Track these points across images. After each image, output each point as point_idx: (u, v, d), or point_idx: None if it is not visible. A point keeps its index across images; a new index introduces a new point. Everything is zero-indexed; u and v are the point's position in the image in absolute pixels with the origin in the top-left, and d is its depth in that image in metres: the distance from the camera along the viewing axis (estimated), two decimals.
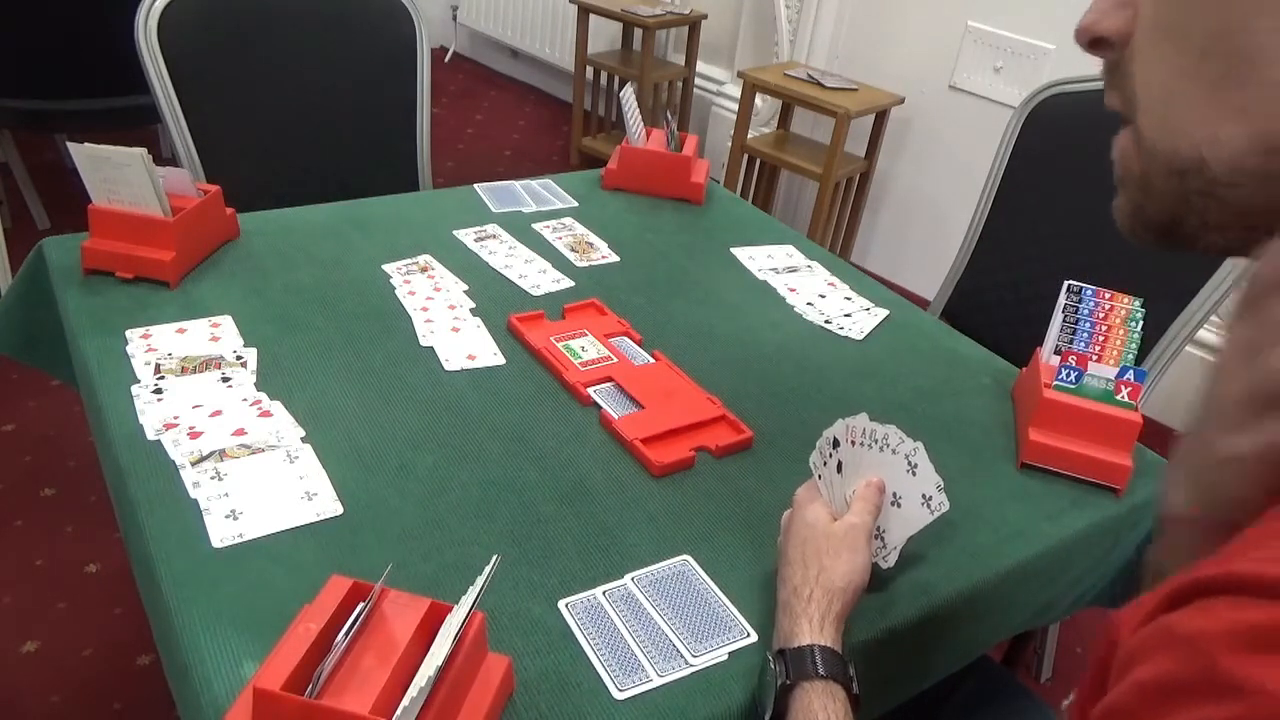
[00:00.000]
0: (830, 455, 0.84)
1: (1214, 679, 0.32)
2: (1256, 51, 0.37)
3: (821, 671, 0.68)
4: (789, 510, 0.83)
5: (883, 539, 0.83)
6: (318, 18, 1.65)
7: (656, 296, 1.27)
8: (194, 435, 0.91)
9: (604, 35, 3.53)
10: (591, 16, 3.30)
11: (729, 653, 0.76)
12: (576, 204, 1.51)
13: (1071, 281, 1.09)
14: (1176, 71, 0.40)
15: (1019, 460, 1.03)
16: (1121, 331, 1.04)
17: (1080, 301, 1.07)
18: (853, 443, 0.83)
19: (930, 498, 0.80)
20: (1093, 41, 0.44)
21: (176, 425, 0.92)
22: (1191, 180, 0.40)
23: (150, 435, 0.90)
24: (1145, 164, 0.42)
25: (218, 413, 0.94)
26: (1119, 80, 0.43)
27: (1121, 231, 0.46)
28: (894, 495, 0.82)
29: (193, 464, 0.87)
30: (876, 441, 0.82)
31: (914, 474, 0.81)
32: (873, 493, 0.81)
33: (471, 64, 4.51)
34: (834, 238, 2.91)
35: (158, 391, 0.96)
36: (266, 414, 0.95)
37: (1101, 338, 1.04)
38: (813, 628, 0.71)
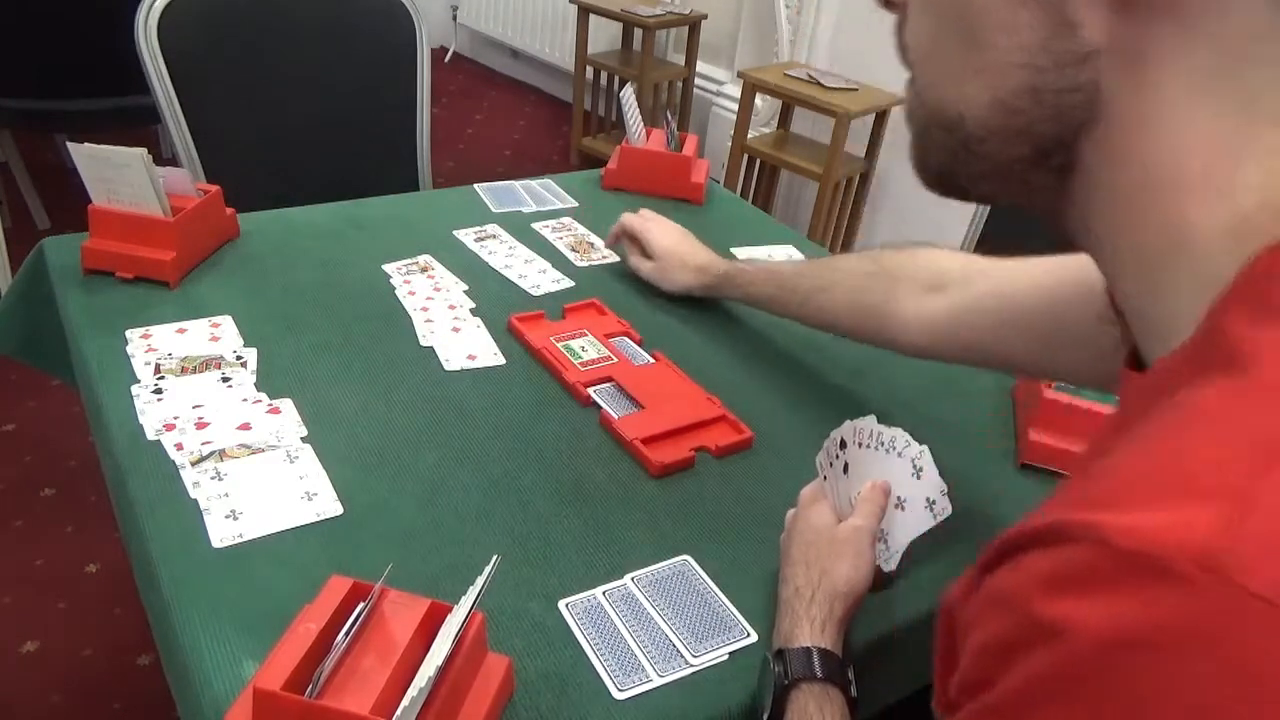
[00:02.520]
0: (837, 456, 0.84)
1: (1031, 626, 0.33)
2: (979, 22, 0.41)
3: (820, 674, 0.68)
4: (793, 509, 0.83)
5: (885, 542, 0.83)
6: (318, 18, 1.65)
7: (656, 296, 1.27)
8: (194, 435, 0.91)
9: (604, 35, 3.53)
10: (591, 16, 3.30)
11: (729, 653, 0.76)
12: (576, 204, 1.51)
13: None
14: (933, 35, 0.45)
15: (1019, 460, 1.03)
16: None
17: None
18: (859, 444, 0.83)
19: (934, 502, 0.80)
20: (884, 2, 0.48)
21: (176, 425, 0.92)
22: (955, 134, 0.44)
23: (150, 435, 0.90)
24: (922, 116, 0.47)
25: (218, 413, 0.94)
26: (899, 42, 0.47)
27: (917, 175, 0.50)
28: (898, 498, 0.82)
29: (193, 464, 0.87)
30: (883, 444, 0.82)
31: (919, 478, 0.81)
32: (877, 495, 0.81)
33: (471, 64, 4.51)
34: (834, 238, 2.91)
35: (158, 391, 0.96)
36: (267, 414, 0.95)
37: None
38: (813, 629, 0.71)
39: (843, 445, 0.84)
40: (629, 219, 1.28)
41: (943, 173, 0.47)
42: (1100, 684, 0.31)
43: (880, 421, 0.83)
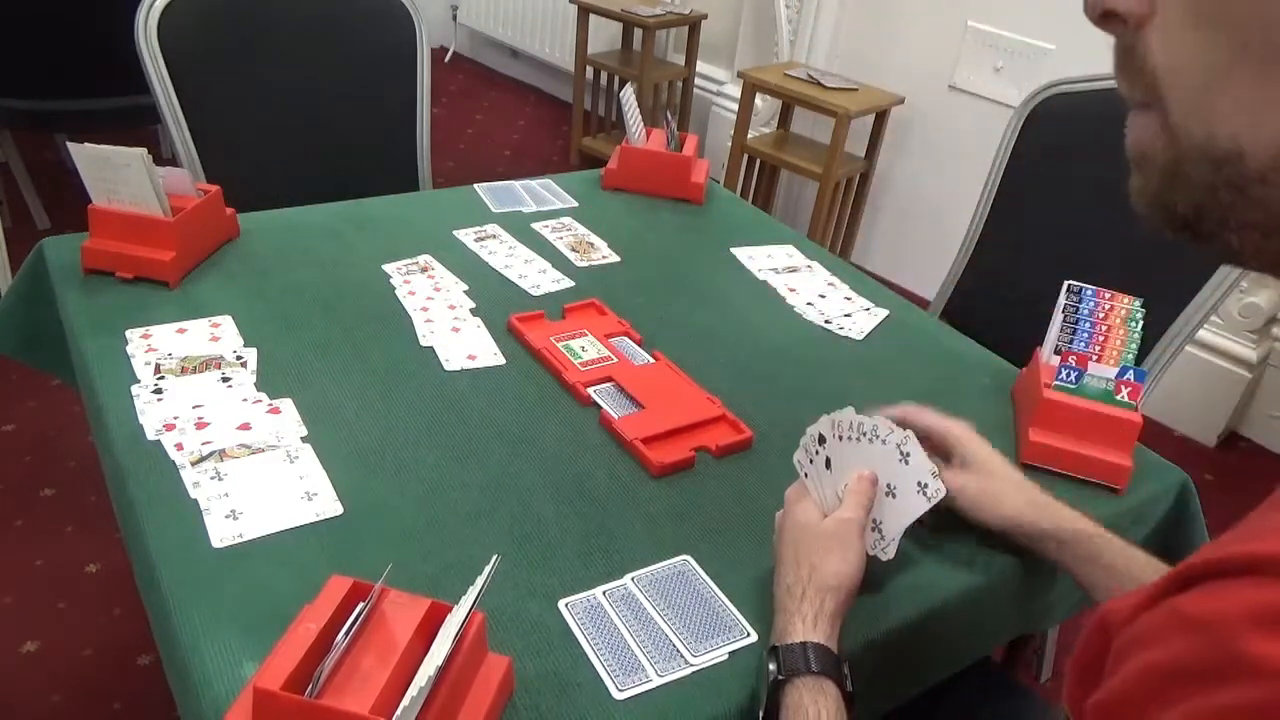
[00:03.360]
0: (817, 452, 0.83)
1: (1233, 661, 0.31)
2: None
3: (814, 668, 0.68)
4: (781, 510, 0.83)
5: (880, 531, 0.82)
6: (318, 18, 1.65)
7: (656, 296, 1.27)
8: (194, 435, 0.91)
9: (604, 35, 3.53)
10: (591, 16, 3.30)
11: (729, 653, 0.76)
12: (576, 204, 1.51)
13: (1071, 281, 1.09)
14: (1215, 58, 0.37)
15: (1019, 460, 1.03)
16: (1121, 331, 1.04)
17: (1080, 301, 1.07)
18: (840, 437, 0.83)
19: (925, 485, 0.80)
20: (1104, 15, 0.40)
21: (176, 425, 0.92)
22: (1226, 171, 0.38)
23: (150, 435, 0.90)
24: (1176, 150, 0.40)
25: (218, 413, 0.94)
26: (1134, 64, 0.40)
27: (1137, 213, 0.43)
28: (888, 486, 0.82)
29: (193, 464, 0.87)
30: (865, 434, 0.82)
31: (906, 463, 0.81)
32: (864, 486, 0.81)
33: (471, 64, 4.51)
34: (834, 238, 2.91)
35: (158, 391, 0.96)
36: (267, 414, 0.95)
37: (1101, 338, 1.04)
38: (805, 625, 0.71)
39: (822, 441, 0.83)
40: (918, 413, 0.92)
41: (1186, 215, 0.40)
42: None
43: (861, 410, 0.83)
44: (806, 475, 0.83)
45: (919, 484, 0.80)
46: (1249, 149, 0.37)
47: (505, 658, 0.70)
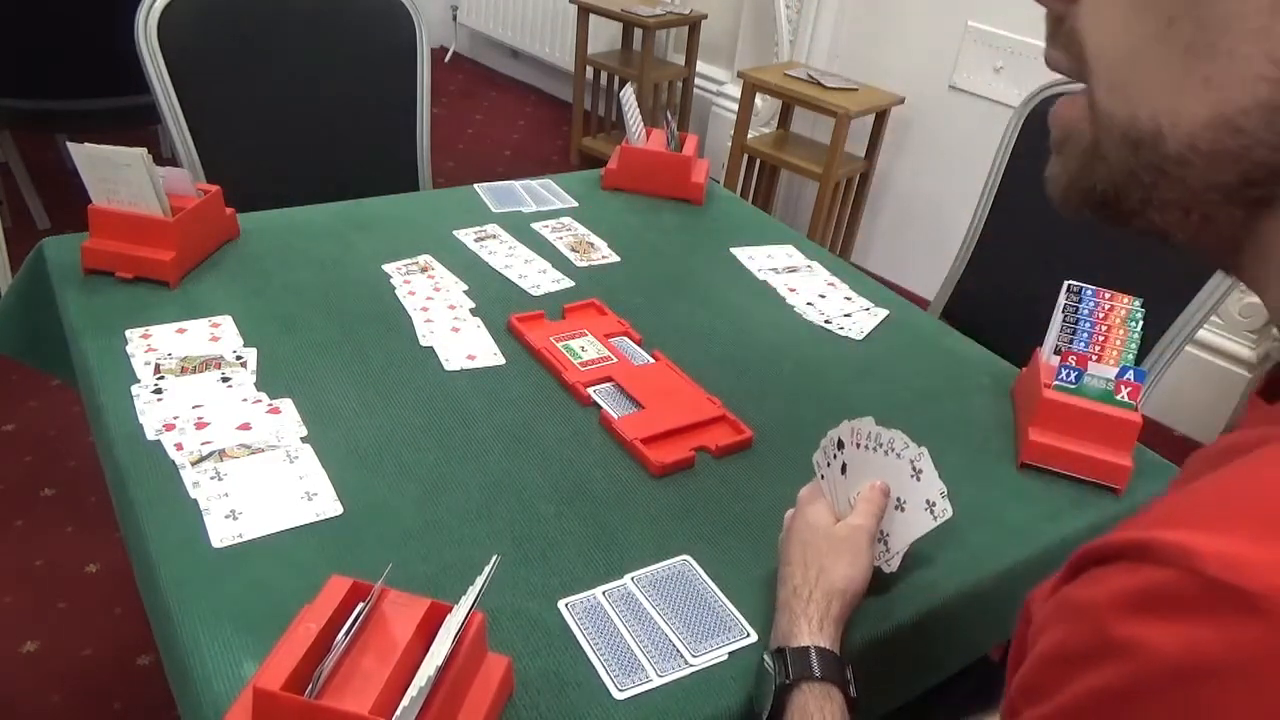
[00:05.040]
0: (835, 456, 0.84)
1: (1104, 642, 0.33)
2: (1227, 21, 0.35)
3: (819, 673, 0.68)
4: (791, 509, 0.83)
5: (886, 543, 0.83)
6: (318, 18, 1.65)
7: (656, 296, 1.27)
8: (194, 435, 0.91)
9: (604, 35, 3.53)
10: (591, 16, 3.30)
11: (729, 653, 0.76)
12: (576, 204, 1.51)
13: (1071, 281, 1.09)
14: (1139, 35, 0.38)
15: (1019, 460, 1.03)
16: (1121, 331, 1.04)
17: (1080, 301, 1.07)
18: (857, 445, 0.83)
19: (934, 504, 0.80)
20: None
21: (176, 425, 0.92)
22: (1145, 153, 0.38)
23: (150, 435, 0.90)
24: (1097, 130, 0.40)
25: (218, 413, 0.94)
26: (1065, 38, 0.41)
27: (1051, 200, 0.43)
28: (898, 500, 0.82)
29: (193, 464, 0.87)
30: (881, 445, 0.82)
31: (918, 479, 0.81)
32: (877, 495, 0.81)
33: (471, 64, 4.51)
34: (834, 238, 2.91)
35: (158, 391, 0.96)
36: (267, 414, 0.95)
37: (1101, 338, 1.04)
38: (811, 628, 0.71)
39: (840, 446, 0.84)
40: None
41: (1106, 196, 0.41)
42: (1164, 709, 0.31)
43: (881, 422, 0.83)
44: (823, 477, 0.84)
45: (928, 502, 0.80)
46: (1168, 131, 0.37)
47: (505, 658, 0.70)
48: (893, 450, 0.82)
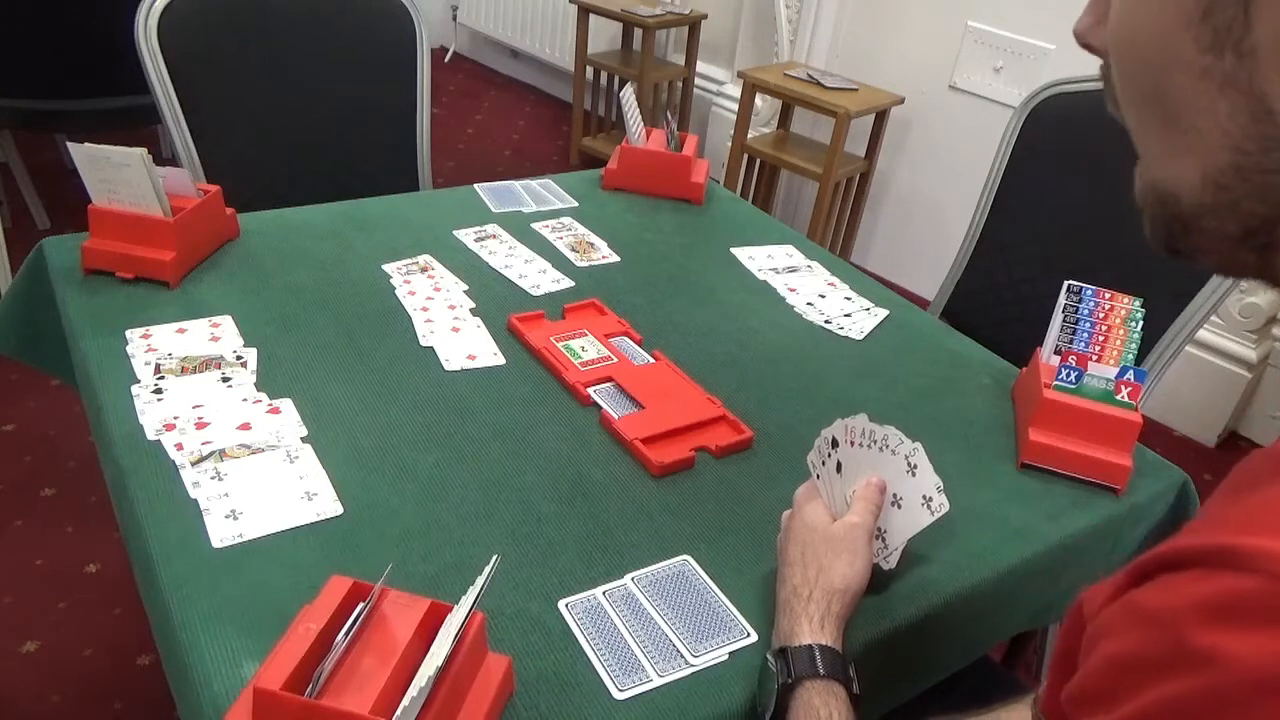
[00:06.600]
0: (829, 455, 0.84)
1: (1182, 651, 0.32)
2: (1180, 103, 0.39)
3: (822, 670, 0.68)
4: (789, 510, 0.83)
5: (884, 540, 0.83)
6: (318, 18, 1.65)
7: (656, 296, 1.27)
8: (194, 435, 0.91)
9: (604, 35, 3.53)
10: (591, 16, 3.29)
11: (729, 653, 0.76)
12: (576, 204, 1.51)
13: (1071, 281, 1.09)
14: (1139, 109, 0.42)
15: (1019, 460, 1.03)
16: (1121, 331, 1.04)
17: (1080, 301, 1.07)
18: (852, 443, 0.83)
19: (930, 499, 0.80)
20: (1084, 46, 0.45)
21: (176, 425, 0.92)
22: (1171, 209, 0.42)
23: (150, 435, 0.90)
24: (1141, 189, 0.44)
25: (218, 413, 0.94)
26: (1110, 88, 0.44)
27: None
28: (894, 496, 0.82)
29: (193, 464, 0.87)
30: (876, 442, 0.82)
31: (914, 475, 0.81)
32: (873, 492, 0.81)
33: (471, 64, 4.51)
34: (834, 238, 2.91)
35: (158, 391, 0.96)
36: (267, 414, 0.95)
37: (1101, 338, 1.04)
38: (813, 627, 0.71)
39: (834, 444, 0.83)
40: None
41: (1167, 245, 0.45)
42: None
43: (881, 421, 0.83)
44: (819, 476, 0.84)
45: (924, 497, 0.80)
46: (1180, 190, 0.41)
47: (505, 658, 0.70)
48: (887, 446, 0.82)
